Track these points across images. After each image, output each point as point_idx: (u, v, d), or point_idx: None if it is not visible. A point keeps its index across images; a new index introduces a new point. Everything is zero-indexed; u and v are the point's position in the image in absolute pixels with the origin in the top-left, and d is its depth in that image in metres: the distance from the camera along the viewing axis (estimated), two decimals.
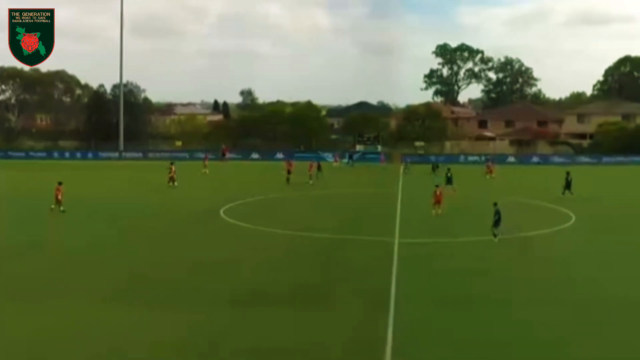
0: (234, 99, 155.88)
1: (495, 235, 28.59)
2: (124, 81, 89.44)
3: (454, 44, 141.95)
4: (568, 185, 44.56)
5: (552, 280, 22.63)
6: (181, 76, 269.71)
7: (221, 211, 37.25)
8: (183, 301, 19.83)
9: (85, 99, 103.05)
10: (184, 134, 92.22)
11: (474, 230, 31.89)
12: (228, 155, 78.21)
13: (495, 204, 29.09)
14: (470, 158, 77.77)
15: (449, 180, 45.95)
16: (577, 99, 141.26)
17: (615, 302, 19.97)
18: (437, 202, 36.43)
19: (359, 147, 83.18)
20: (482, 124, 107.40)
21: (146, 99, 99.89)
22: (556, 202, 40.99)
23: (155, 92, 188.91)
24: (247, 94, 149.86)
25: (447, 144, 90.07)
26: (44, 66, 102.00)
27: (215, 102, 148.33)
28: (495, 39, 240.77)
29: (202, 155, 68.89)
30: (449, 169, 48.85)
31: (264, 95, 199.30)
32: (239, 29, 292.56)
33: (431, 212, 36.26)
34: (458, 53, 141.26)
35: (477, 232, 31.21)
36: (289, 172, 52.26)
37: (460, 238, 30.29)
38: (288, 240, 29.70)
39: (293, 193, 46.55)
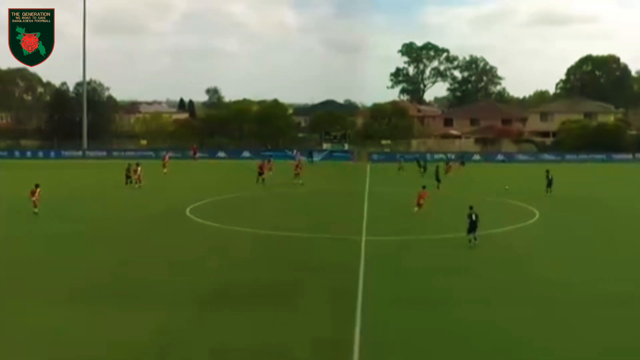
0: (200, 97, 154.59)
1: (470, 241, 27.09)
2: (87, 79, 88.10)
3: (419, 42, 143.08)
4: (549, 184, 44.81)
5: (515, 278, 22.83)
6: (146, 74, 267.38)
7: (187, 210, 36.84)
8: (147, 300, 19.54)
9: (47, 97, 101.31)
10: (149, 133, 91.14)
11: (441, 228, 32.10)
12: (198, 154, 77.48)
13: (470, 208, 27.63)
14: (437, 156, 78.25)
15: (437, 178, 47.66)
16: (540, 97, 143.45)
17: (576, 298, 20.26)
18: (419, 203, 35.77)
19: (325, 146, 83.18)
20: (448, 122, 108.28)
21: (110, 97, 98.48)
22: (520, 199, 41.44)
23: (120, 91, 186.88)
24: (213, 92, 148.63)
25: (414, 142, 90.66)
26: (4, 64, 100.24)
27: (181, 100, 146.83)
28: (460, 38, 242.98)
29: (166, 153, 67.40)
30: (438, 167, 50.46)
31: (231, 94, 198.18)
32: (205, 27, 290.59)
33: (396, 210, 36.41)
34: (424, 52, 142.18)
35: (444, 230, 31.43)
36: (261, 173, 49.80)
37: (427, 236, 30.38)
38: (254, 239, 29.49)
39: (260, 192, 46.30)
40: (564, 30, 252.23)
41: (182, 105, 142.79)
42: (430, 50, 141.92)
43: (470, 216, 27.17)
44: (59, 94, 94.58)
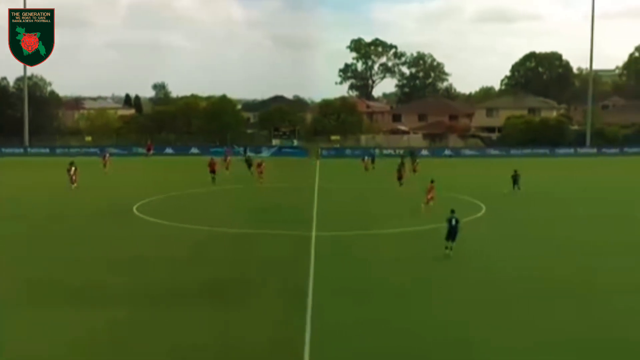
0: (147, 93, 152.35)
1: (446, 248, 24.63)
2: (29, 74, 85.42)
3: (368, 39, 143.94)
4: (515, 181, 45.15)
5: (462, 268, 23.22)
6: (90, 69, 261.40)
7: (134, 208, 36.16)
8: (96, 301, 19.13)
9: None
10: (94, 129, 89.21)
11: (390, 223, 32.35)
12: (152, 151, 76.03)
13: (452, 212, 24.91)
14: (386, 151, 78.88)
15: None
16: (486, 93, 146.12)
17: (518, 289, 20.68)
18: (429, 199, 35.27)
19: (275, 142, 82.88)
20: (396, 118, 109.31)
21: (52, 93, 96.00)
22: (468, 194, 42.04)
23: (63, 86, 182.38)
24: (160, 87, 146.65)
25: (363, 138, 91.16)
26: None
27: (127, 96, 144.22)
28: (408, 34, 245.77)
29: (105, 152, 64.44)
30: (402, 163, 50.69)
31: (178, 89, 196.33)
32: (151, 21, 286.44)
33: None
34: (372, 48, 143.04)
35: (393, 224, 31.67)
36: (212, 171, 47.71)
37: (376, 230, 30.53)
38: (204, 236, 29.15)
39: (208, 188, 45.78)
40: (509, 28, 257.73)
41: (128, 101, 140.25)
42: (378, 47, 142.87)
43: (450, 221, 24.57)
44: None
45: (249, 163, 54.82)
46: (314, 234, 29.01)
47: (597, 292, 20.41)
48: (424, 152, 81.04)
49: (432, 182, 36.23)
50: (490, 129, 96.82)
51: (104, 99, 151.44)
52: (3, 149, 78.05)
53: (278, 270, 22.95)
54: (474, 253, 25.97)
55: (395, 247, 26.97)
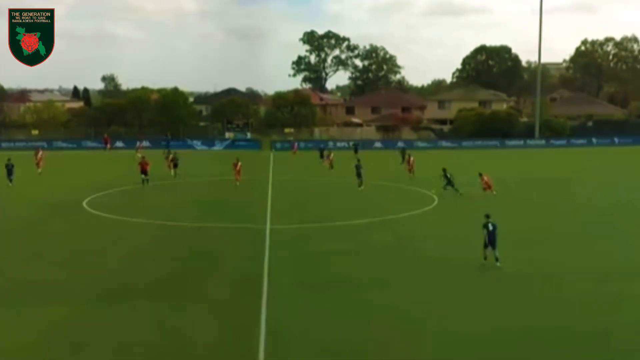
0: (95, 85, 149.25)
1: (485, 258, 22.29)
2: None
3: (320, 31, 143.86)
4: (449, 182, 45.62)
5: (415, 260, 23.43)
6: None
7: (84, 203, 35.39)
8: (44, 297, 18.72)
9: None
10: (41, 122, 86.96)
11: (345, 215, 32.42)
12: (109, 144, 74.31)
13: (487, 217, 22.63)
14: (339, 144, 79.11)
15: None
16: (438, 86, 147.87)
17: (472, 278, 21.07)
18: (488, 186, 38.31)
19: (228, 134, 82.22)
20: (350, 111, 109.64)
21: None
22: (419, 186, 42.43)
23: (7, 78, 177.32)
24: (109, 79, 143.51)
25: (316, 130, 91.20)
26: None
27: (75, 88, 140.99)
28: (360, 27, 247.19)
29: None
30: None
31: (128, 82, 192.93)
32: (99, 11, 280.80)
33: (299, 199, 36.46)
34: (325, 40, 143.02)
35: (348, 216, 31.74)
36: (144, 172, 41.58)
37: (331, 223, 30.55)
38: (154, 230, 28.74)
39: (158, 182, 45.11)
40: (459, 21, 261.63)
41: (76, 93, 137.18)
42: (331, 39, 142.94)
43: (486, 226, 22.12)
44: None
45: (169, 157, 50.50)
46: (268, 226, 28.85)
47: (545, 280, 20.80)
48: (377, 144, 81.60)
49: (480, 174, 39.21)
50: (442, 121, 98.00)
51: (51, 91, 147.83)
52: None
53: (232, 262, 22.78)
54: (425, 242, 26.22)
55: (349, 239, 27.00)
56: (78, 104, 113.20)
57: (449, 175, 40.38)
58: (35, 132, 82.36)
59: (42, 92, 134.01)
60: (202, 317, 17.02)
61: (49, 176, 47.14)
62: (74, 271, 21.60)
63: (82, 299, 18.54)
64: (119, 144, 78.66)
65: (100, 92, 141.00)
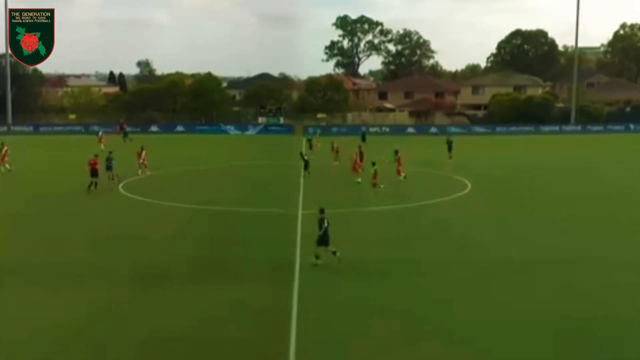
0: (131, 70, 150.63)
1: (317, 257, 20.50)
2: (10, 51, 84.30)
3: (354, 16, 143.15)
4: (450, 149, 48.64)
5: (450, 245, 23.40)
6: (73, 46, 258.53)
7: (120, 186, 36.03)
8: (83, 279, 19.11)
9: None
10: (78, 107, 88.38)
11: (377, 200, 32.47)
12: (126, 128, 74.98)
13: (321, 211, 20.87)
14: (372, 129, 78.91)
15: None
16: (472, 71, 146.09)
17: (503, 264, 20.87)
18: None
19: (261, 120, 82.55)
20: (382, 96, 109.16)
21: (35, 71, 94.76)
22: (452, 172, 42.25)
23: (46, 63, 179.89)
24: (144, 65, 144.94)
25: (349, 116, 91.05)
26: None
27: (111, 73, 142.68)
28: (394, 11, 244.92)
29: (97, 129, 63.74)
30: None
31: (162, 67, 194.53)
32: None
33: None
34: (358, 25, 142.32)
35: (380, 202, 31.80)
36: (94, 174, 34.79)
37: (363, 208, 30.64)
38: (190, 215, 29.13)
39: (193, 167, 45.66)
40: (495, 5, 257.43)
41: (112, 78, 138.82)
42: (364, 24, 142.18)
43: (321, 222, 20.41)
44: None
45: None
46: (300, 212, 29.05)
47: (577, 269, 20.65)
48: (410, 129, 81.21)
49: (396, 152, 38.79)
50: (476, 107, 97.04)
51: (88, 76, 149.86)
52: None
53: (264, 248, 22.97)
54: (456, 231, 26.19)
55: (382, 225, 27.07)
56: (114, 89, 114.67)
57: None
58: (72, 116, 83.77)
59: (79, 77, 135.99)
60: (235, 301, 17.23)
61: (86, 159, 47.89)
62: (110, 254, 22.04)
63: (119, 282, 18.91)
64: (154, 128, 79.61)
65: (135, 77, 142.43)
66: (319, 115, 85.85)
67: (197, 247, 22.97)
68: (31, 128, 78.21)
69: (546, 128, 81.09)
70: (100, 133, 60.44)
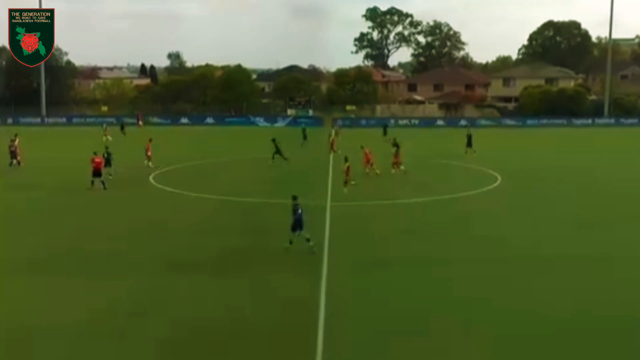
0: (162, 62, 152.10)
1: (291, 242, 20.83)
2: None
3: (383, 7, 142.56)
4: (469, 143, 47.69)
5: (479, 240, 23.22)
6: (105, 39, 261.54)
7: (150, 177, 36.49)
8: (112, 268, 19.44)
9: (4, 62, 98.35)
10: (110, 99, 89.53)
11: (404, 193, 32.41)
12: (141, 121, 74.35)
13: (294, 198, 21.17)
14: (401, 121, 78.64)
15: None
16: (503, 63, 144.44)
17: (533, 259, 20.71)
18: (368, 161, 37.12)
19: (290, 112, 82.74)
20: (412, 88, 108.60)
21: (69, 63, 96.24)
22: (482, 164, 41.95)
23: (78, 55, 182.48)
24: (174, 57, 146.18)
25: (378, 108, 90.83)
26: None
27: (142, 65, 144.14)
28: (424, 3, 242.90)
29: (130, 120, 64.58)
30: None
31: (193, 59, 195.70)
32: None
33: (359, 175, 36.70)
34: (388, 17, 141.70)
35: (406, 195, 31.75)
36: (97, 173, 32.60)
37: (390, 201, 30.61)
38: (219, 206, 29.39)
39: (223, 158, 45.99)
40: None
41: (143, 70, 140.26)
42: (394, 15, 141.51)
43: (295, 209, 20.93)
44: (16, 59, 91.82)
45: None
46: (328, 203, 29.14)
47: (613, 265, 20.42)
48: (440, 122, 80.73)
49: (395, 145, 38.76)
50: (507, 99, 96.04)
51: (120, 68, 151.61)
52: (21, 119, 78.63)
53: (291, 238, 23.08)
54: (486, 222, 26.05)
55: (410, 217, 27.05)
56: (145, 81, 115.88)
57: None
58: (104, 108, 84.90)
59: (111, 69, 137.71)
60: (262, 292, 17.38)
61: (116, 151, 48.52)
62: (139, 243, 22.38)
63: (148, 271, 19.19)
64: (184, 120, 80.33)
65: (166, 69, 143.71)
66: (348, 108, 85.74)
67: (225, 238, 23.15)
68: (64, 119, 79.43)
69: (578, 121, 79.96)
70: (104, 125, 60.39)
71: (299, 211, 20.79)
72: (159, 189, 33.35)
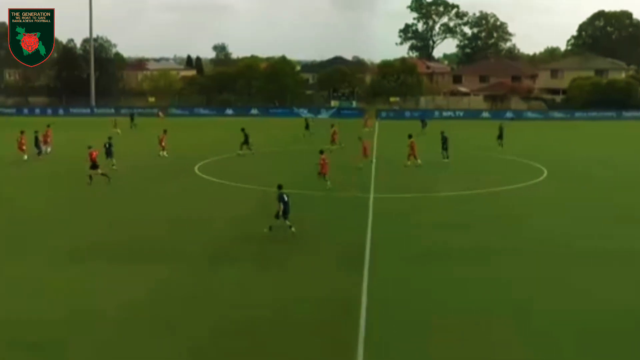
0: (207, 54, 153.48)
1: (270, 229, 22.06)
2: (94, 36, 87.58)
3: None
4: (500, 136, 46.71)
5: (520, 234, 22.97)
6: (153, 31, 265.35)
7: (195, 167, 37.04)
8: (155, 256, 19.79)
9: (55, 54, 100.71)
10: (156, 90, 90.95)
11: (448, 186, 32.22)
12: (161, 114, 74.14)
13: (279, 187, 22.35)
14: (445, 113, 77.94)
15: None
16: (551, 54, 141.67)
17: (582, 254, 20.37)
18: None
19: (333, 103, 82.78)
20: (457, 80, 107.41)
21: (117, 54, 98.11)
22: (528, 157, 41.37)
23: (126, 47, 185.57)
24: (220, 49, 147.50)
25: (422, 100, 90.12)
26: None
27: (189, 57, 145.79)
28: None
29: (177, 111, 65.34)
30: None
31: (238, 51, 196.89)
32: None
33: (405, 165, 36.54)
34: (433, 8, 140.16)
35: (451, 188, 31.55)
36: (94, 165, 31.85)
37: (434, 193, 30.45)
38: (262, 196, 29.63)
39: (266, 149, 46.32)
40: None
41: (189, 62, 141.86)
42: (439, 6, 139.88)
43: (281, 198, 21.91)
44: (67, 51, 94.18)
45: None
46: (372, 195, 29.16)
47: None
48: (485, 114, 79.73)
49: (410, 137, 37.83)
50: (555, 91, 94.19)
51: (167, 60, 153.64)
52: (71, 109, 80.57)
53: (335, 231, 23.21)
54: (531, 216, 25.73)
55: (453, 211, 26.89)
56: (191, 73, 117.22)
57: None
58: (151, 99, 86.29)
59: (158, 60, 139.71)
60: (304, 284, 17.49)
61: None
62: (182, 232, 22.71)
63: (191, 260, 19.47)
64: (229, 111, 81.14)
65: (211, 60, 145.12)
66: (392, 99, 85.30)
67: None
68: (112, 110, 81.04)
69: (629, 113, 78.01)
70: (115, 118, 60.86)
71: (286, 199, 21.74)
72: (204, 179, 33.84)
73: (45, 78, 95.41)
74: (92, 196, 29.71)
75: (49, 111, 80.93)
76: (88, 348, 13.37)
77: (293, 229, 21.83)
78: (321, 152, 31.59)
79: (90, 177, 31.48)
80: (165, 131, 43.31)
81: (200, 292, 16.81)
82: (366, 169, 36.76)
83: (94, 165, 31.58)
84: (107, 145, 36.30)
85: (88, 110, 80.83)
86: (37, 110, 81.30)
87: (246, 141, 42.59)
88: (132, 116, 64.78)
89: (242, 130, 43.46)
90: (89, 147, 32.41)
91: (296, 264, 19.25)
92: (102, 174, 31.70)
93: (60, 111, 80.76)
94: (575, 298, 16.58)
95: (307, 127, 55.77)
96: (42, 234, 22.49)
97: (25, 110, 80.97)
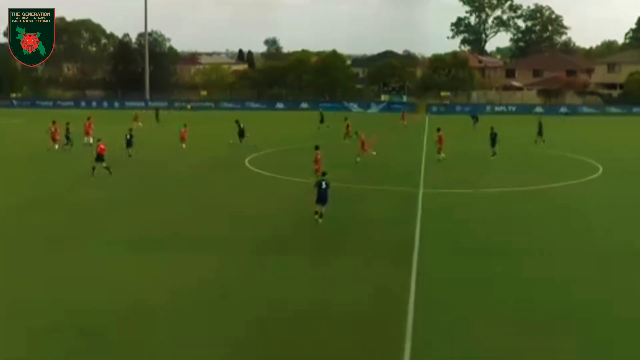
0: (259, 48, 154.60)
1: (316, 213, 22.91)
2: (149, 30, 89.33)
3: None
4: (540, 132, 45.78)
5: (572, 232, 22.65)
6: (205, 25, 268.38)
7: (246, 161, 37.53)
8: (205, 247, 20.17)
9: (111, 49, 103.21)
10: (209, 84, 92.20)
11: (498, 181, 31.91)
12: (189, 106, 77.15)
13: (323, 174, 24.01)
14: (497, 108, 76.84)
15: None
16: (608, 47, 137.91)
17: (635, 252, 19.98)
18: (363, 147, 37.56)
19: (384, 97, 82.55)
20: (510, 74, 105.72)
21: (171, 49, 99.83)
22: (582, 154, 40.57)
23: (180, 42, 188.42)
24: (271, 43, 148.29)
25: (474, 94, 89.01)
26: (70, 15, 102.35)
27: (240, 51, 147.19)
28: None
29: (228, 105, 66.79)
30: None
31: (289, 45, 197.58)
32: None
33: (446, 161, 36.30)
34: (486, 1, 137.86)
35: (501, 183, 31.24)
36: (100, 158, 32.55)
37: (484, 189, 30.17)
38: (309, 189, 29.81)
39: (316, 143, 46.39)
40: None
41: (241, 56, 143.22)
42: None
43: (319, 184, 22.90)
44: (122, 45, 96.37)
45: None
46: (421, 190, 29.10)
47: None
48: (538, 109, 78.29)
49: (438, 130, 37.91)
50: (611, 86, 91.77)
51: (219, 54, 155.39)
52: (126, 103, 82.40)
53: (384, 225, 23.26)
54: (584, 214, 25.30)
55: (503, 207, 26.64)
56: (242, 67, 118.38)
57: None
58: (204, 93, 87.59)
59: (210, 55, 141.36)
60: (352, 278, 17.55)
61: (215, 136, 50.07)
62: (232, 225, 23.07)
63: (239, 251, 19.78)
64: (279, 105, 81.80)
65: (263, 55, 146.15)
66: (443, 94, 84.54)
67: (316, 223, 23.47)
68: (166, 103, 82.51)
69: None
70: (135, 112, 61.49)
71: (323, 186, 22.57)
72: (254, 172, 34.29)
73: (102, 72, 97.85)
74: (149, 189, 30.42)
75: (105, 104, 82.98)
76: (142, 335, 13.79)
77: (320, 220, 22.43)
78: (316, 147, 30.71)
79: (94, 168, 32.33)
80: (185, 125, 44.44)
81: (245, 284, 16.99)
82: (416, 164, 36.63)
83: (100, 158, 32.45)
84: (128, 137, 39.15)
85: (142, 104, 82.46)
86: (94, 104, 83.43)
87: (241, 134, 43.27)
88: (157, 111, 65.81)
89: (237, 122, 44.46)
90: (98, 140, 33.79)
91: (345, 259, 19.34)
92: (105, 167, 32.35)
93: (116, 104, 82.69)
94: (617, 296, 16.27)
95: (321, 120, 55.76)
96: (101, 226, 23.05)
97: (83, 103, 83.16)
